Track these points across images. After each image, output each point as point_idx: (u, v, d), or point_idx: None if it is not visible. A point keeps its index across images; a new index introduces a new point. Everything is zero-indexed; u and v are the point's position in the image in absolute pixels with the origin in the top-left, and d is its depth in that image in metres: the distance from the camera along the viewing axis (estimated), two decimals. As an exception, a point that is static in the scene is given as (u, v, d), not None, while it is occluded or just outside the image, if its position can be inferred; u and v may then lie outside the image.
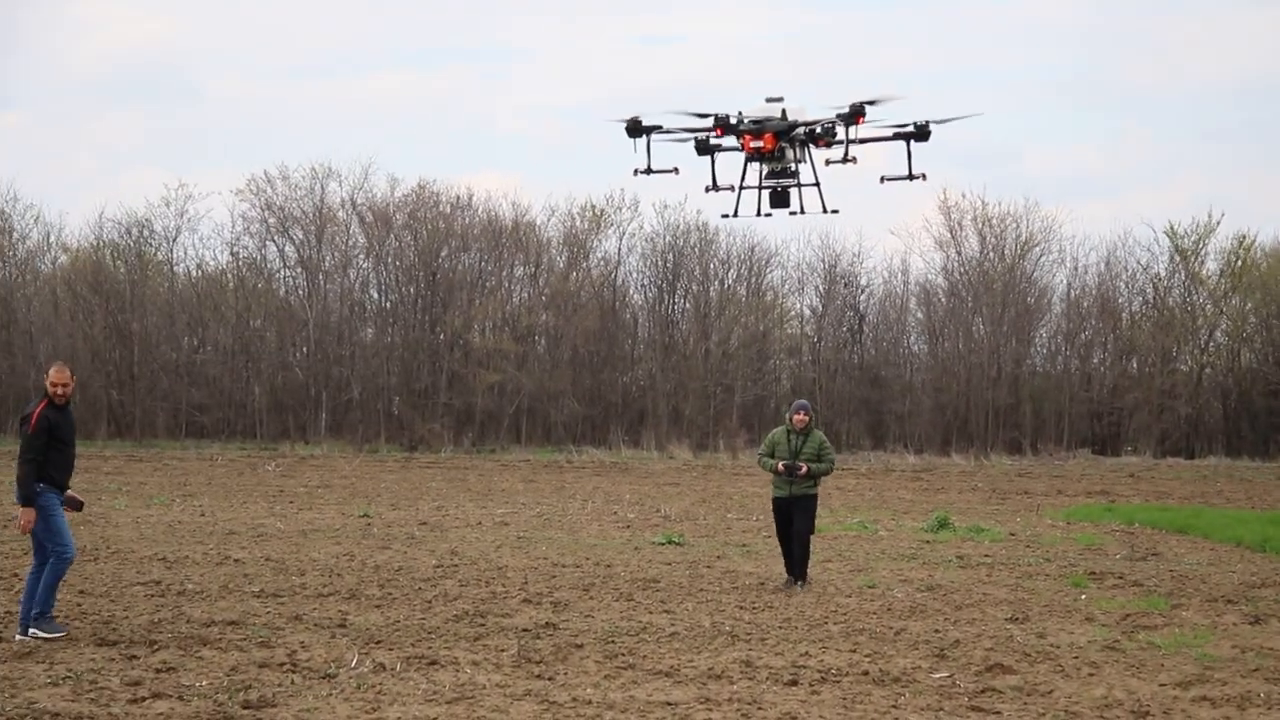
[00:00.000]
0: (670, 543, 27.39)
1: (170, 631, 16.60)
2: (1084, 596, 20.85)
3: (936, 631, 17.50)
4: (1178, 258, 70.87)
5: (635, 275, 70.25)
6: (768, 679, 14.42)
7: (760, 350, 69.39)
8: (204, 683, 13.74)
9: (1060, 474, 55.26)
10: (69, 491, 16.76)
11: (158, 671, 14.25)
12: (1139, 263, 71.16)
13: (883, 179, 35.28)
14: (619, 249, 69.86)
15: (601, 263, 69.91)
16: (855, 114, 33.28)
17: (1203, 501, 41.84)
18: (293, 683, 13.85)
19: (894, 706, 13.24)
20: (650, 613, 18.74)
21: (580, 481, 46.57)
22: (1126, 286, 71.33)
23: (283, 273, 69.42)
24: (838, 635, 17.18)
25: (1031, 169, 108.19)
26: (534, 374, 65.80)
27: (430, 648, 15.80)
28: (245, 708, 12.77)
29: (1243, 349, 71.84)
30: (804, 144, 34.35)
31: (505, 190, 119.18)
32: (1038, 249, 70.17)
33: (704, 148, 34.40)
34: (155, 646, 15.61)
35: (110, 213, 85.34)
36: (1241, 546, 28.43)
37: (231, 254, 69.00)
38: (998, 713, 13.05)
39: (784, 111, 33.96)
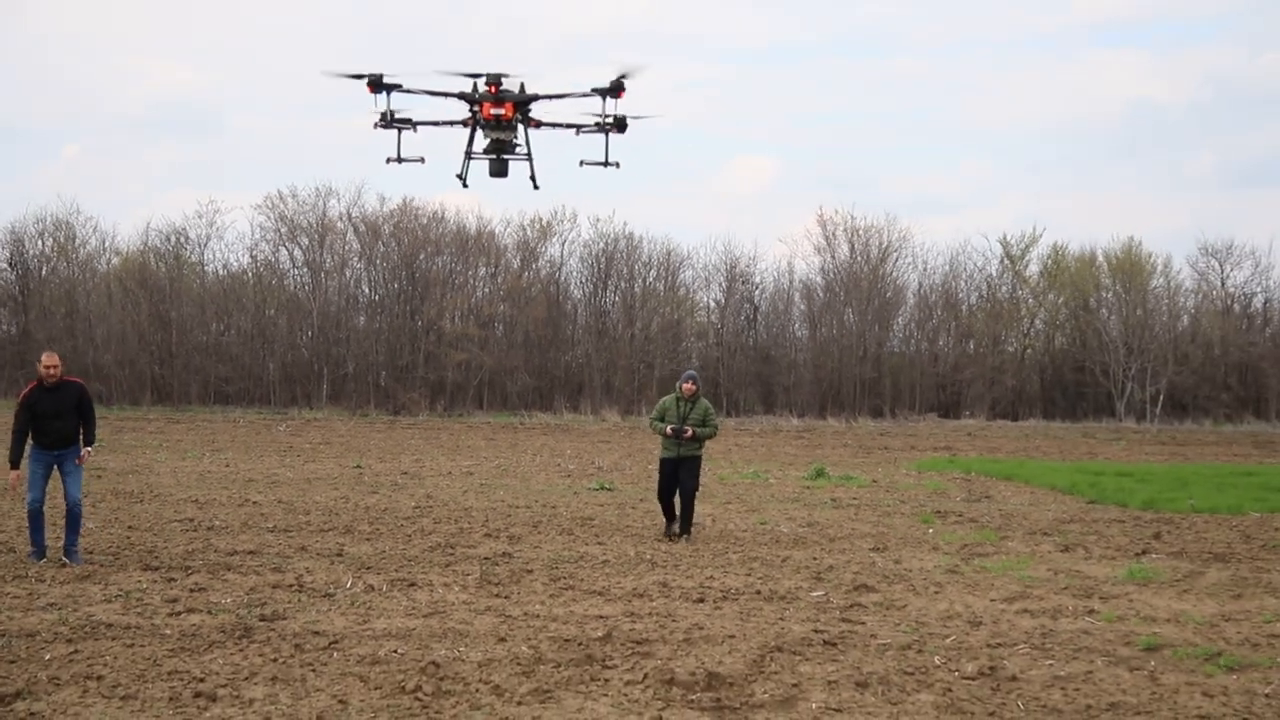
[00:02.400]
0: (603, 489, 27.39)
1: (201, 559, 16.52)
2: (931, 530, 20.97)
3: (814, 559, 17.57)
4: (1008, 262, 71.35)
5: (575, 274, 70.06)
6: (680, 597, 14.46)
7: (675, 334, 69.28)
8: (228, 600, 13.70)
9: (913, 433, 55.54)
10: (84, 449, 16.74)
11: (191, 591, 14.19)
12: (975, 265, 71.57)
13: (582, 163, 32.52)
14: (562, 253, 69.72)
15: (548, 264, 69.73)
16: (617, 88, 30.66)
17: (1025, 455, 42.14)
18: (300, 600, 13.81)
19: (781, 618, 13.28)
20: (586, 544, 18.74)
21: (530, 440, 46.48)
22: (965, 284, 71.55)
23: (292, 272, 68.90)
24: (736, 562, 17.22)
25: (890, 190, 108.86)
26: (493, 353, 65.57)
27: (410, 572, 15.77)
28: (261, 620, 12.72)
29: (1056, 334, 72.31)
30: (524, 121, 31.19)
31: (471, 206, 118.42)
32: (895, 254, 70.33)
33: (388, 122, 31.02)
34: (189, 571, 15.54)
35: (154, 223, 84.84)
36: (1055, 490, 28.66)
37: (251, 257, 68.49)
38: (863, 623, 13.11)
39: (521, 85, 30.93)
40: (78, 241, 68.06)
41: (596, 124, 31.60)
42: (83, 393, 16.78)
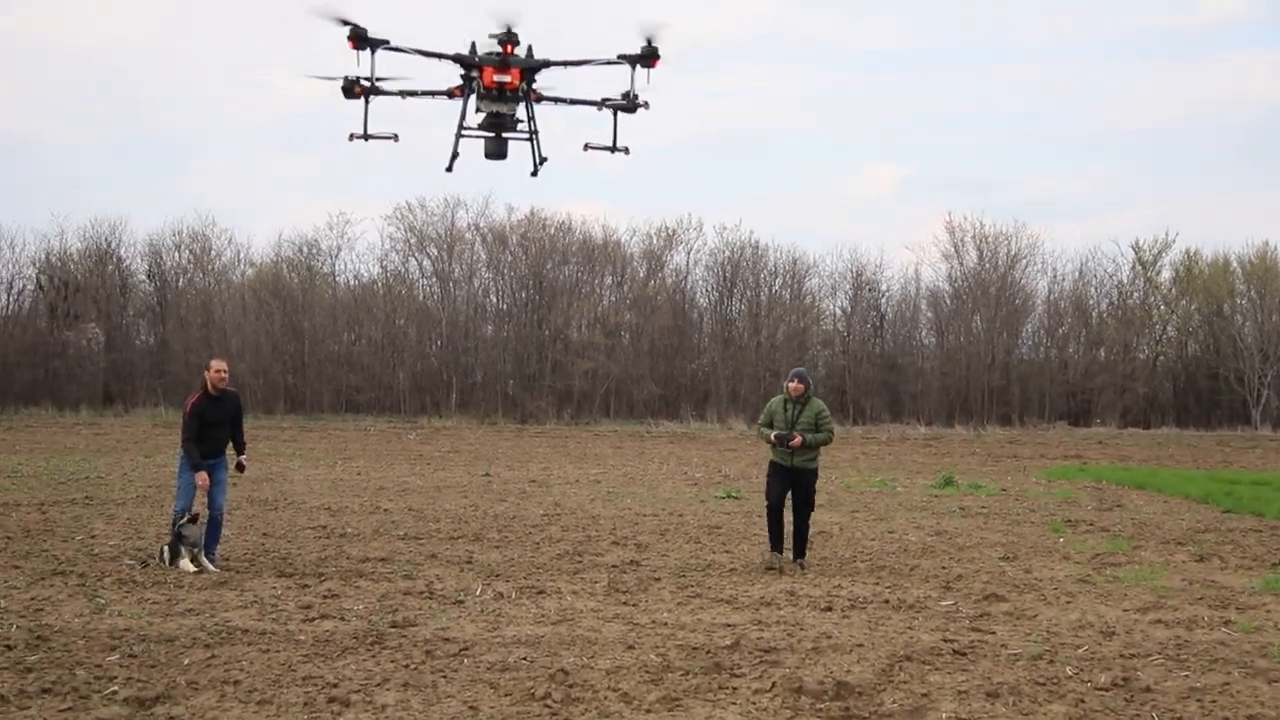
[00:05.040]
0: (730, 497, 27.34)
1: (334, 566, 16.70)
2: (1062, 540, 20.71)
3: (943, 568, 17.41)
4: (1139, 267, 70.43)
5: (700, 283, 70.20)
6: (808, 606, 14.39)
7: (801, 343, 69.10)
8: (360, 606, 13.83)
9: (1042, 441, 54.89)
10: (239, 458, 17.04)
11: (325, 597, 14.35)
12: (1106, 272, 70.82)
13: (586, 146, 27.51)
14: (687, 262, 69.87)
15: (673, 273, 69.89)
16: (650, 55, 25.87)
17: (1157, 463, 41.51)
18: (430, 607, 13.91)
19: (909, 628, 13.18)
20: (714, 552, 18.71)
21: (657, 448, 46.53)
22: (1095, 291, 70.88)
23: (421, 282, 69.75)
24: (864, 571, 17.12)
25: (1020, 195, 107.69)
26: (620, 362, 65.78)
27: (538, 580, 15.83)
28: (393, 626, 12.83)
29: (1189, 341, 71.33)
30: (527, 94, 26.23)
31: (598, 215, 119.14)
32: (1024, 261, 69.83)
33: (350, 90, 25.83)
34: (323, 578, 15.71)
35: (287, 234, 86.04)
36: (1189, 499, 28.21)
37: (381, 267, 69.42)
38: (993, 633, 12.97)
39: (529, 49, 25.96)
40: (213, 253, 69.26)
41: (603, 102, 26.99)
42: (239, 402, 17.16)
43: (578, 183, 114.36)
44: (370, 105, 26.26)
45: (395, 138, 26.69)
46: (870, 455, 43.58)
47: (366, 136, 26.43)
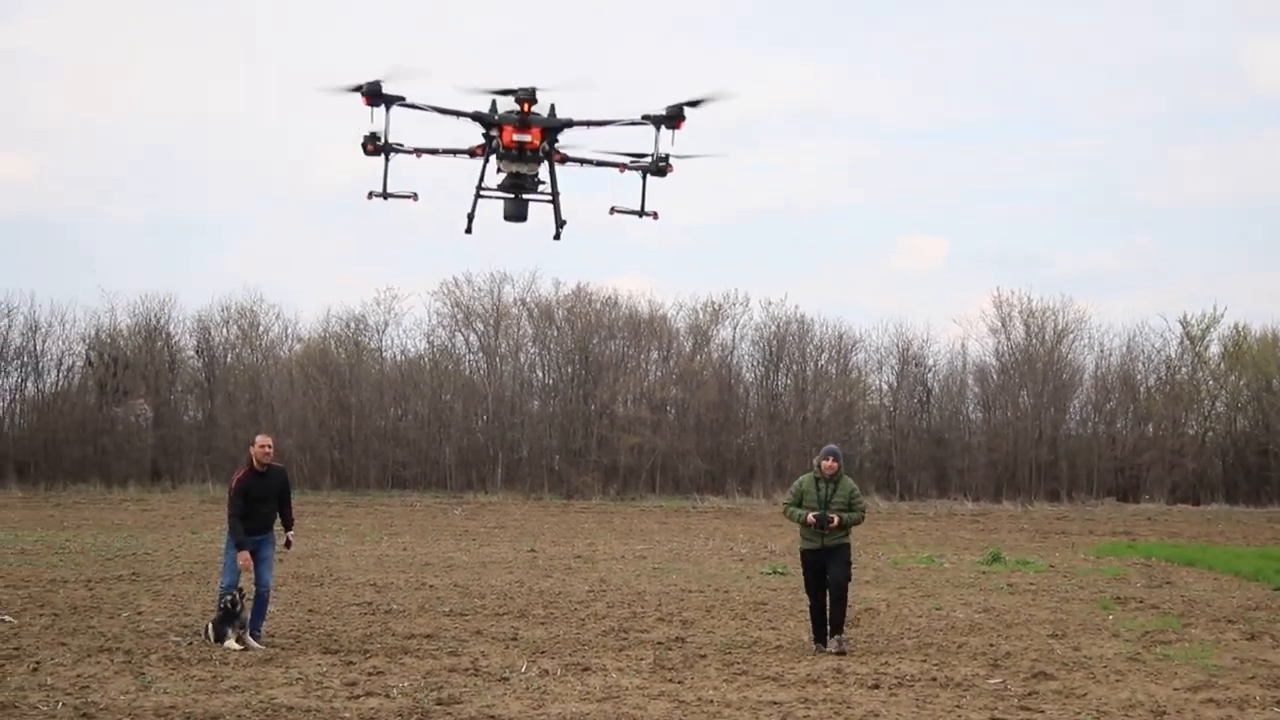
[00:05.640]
0: (776, 573, 27.22)
1: (379, 643, 16.71)
2: (1111, 617, 20.54)
3: (991, 645, 17.29)
4: (1187, 342, 70.07)
5: (746, 358, 70.03)
6: (855, 683, 14.32)
7: (847, 417, 68.88)
8: (406, 684, 13.83)
9: (1091, 517, 54.49)
10: (288, 534, 17.09)
11: (370, 674, 14.35)
12: (1154, 346, 70.33)
13: (613, 210, 26.55)
14: (733, 336, 69.77)
15: (719, 347, 69.84)
16: (675, 117, 25.12)
17: (1207, 540, 41.11)
18: (475, 684, 13.90)
19: (958, 707, 13.08)
20: (760, 629, 18.64)
21: (703, 524, 46.39)
22: (1143, 366, 70.43)
23: (468, 357, 69.88)
24: (911, 648, 17.01)
25: (1066, 270, 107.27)
26: (666, 437, 65.70)
27: (584, 657, 15.80)
28: (438, 704, 12.82)
29: (1238, 416, 70.69)
30: (550, 154, 25.53)
31: (643, 290, 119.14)
32: (1071, 336, 69.48)
33: (374, 148, 25.25)
34: (368, 654, 15.73)
35: (334, 310, 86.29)
36: (1239, 576, 27.92)
37: (428, 342, 69.56)
38: (1042, 712, 12.87)
39: (552, 108, 25.30)
40: (261, 328, 69.55)
41: (631, 164, 26.19)
42: (285, 477, 17.21)
43: (624, 257, 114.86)
44: (391, 163, 25.84)
45: (415, 197, 26.34)
46: (917, 531, 43.35)
47: (385, 195, 25.96)
